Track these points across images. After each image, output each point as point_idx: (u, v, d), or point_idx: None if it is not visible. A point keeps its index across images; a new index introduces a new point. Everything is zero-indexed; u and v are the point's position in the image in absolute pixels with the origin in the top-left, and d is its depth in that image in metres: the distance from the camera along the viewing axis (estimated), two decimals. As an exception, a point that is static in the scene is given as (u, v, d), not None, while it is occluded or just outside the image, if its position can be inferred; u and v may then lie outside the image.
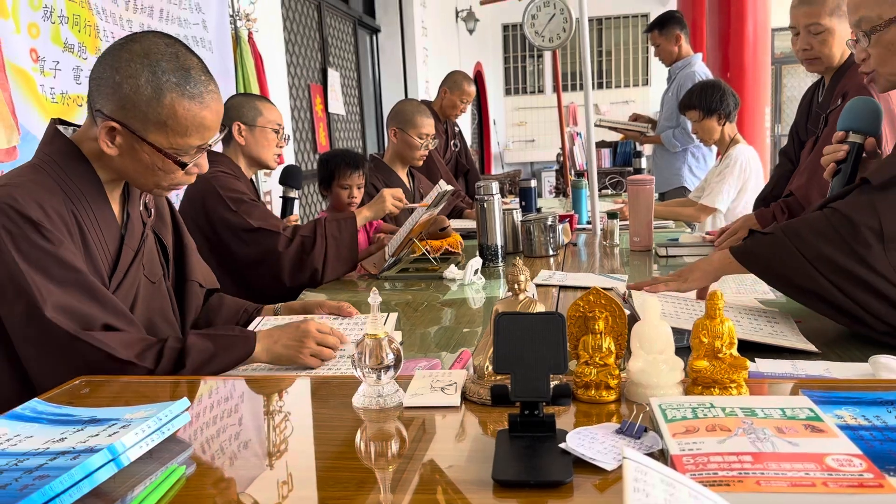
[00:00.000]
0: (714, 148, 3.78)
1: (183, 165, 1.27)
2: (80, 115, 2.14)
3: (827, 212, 1.26)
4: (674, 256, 2.13)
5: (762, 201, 2.37)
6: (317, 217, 2.24)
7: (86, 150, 1.27)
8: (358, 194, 2.71)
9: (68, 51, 2.14)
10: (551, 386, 0.78)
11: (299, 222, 2.43)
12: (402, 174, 3.12)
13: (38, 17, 2.02)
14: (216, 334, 1.29)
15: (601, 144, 8.97)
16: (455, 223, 3.03)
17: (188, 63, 1.24)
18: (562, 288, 1.88)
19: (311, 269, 2.07)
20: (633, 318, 1.21)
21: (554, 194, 8.26)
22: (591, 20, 10.45)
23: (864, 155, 1.47)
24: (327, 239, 2.10)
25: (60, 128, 1.30)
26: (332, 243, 2.10)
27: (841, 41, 1.94)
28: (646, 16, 10.28)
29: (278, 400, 1.06)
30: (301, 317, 1.49)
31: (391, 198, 2.28)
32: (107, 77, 1.21)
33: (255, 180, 2.33)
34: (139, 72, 1.20)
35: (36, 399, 0.94)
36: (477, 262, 2.09)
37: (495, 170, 10.25)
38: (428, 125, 3.00)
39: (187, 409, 0.88)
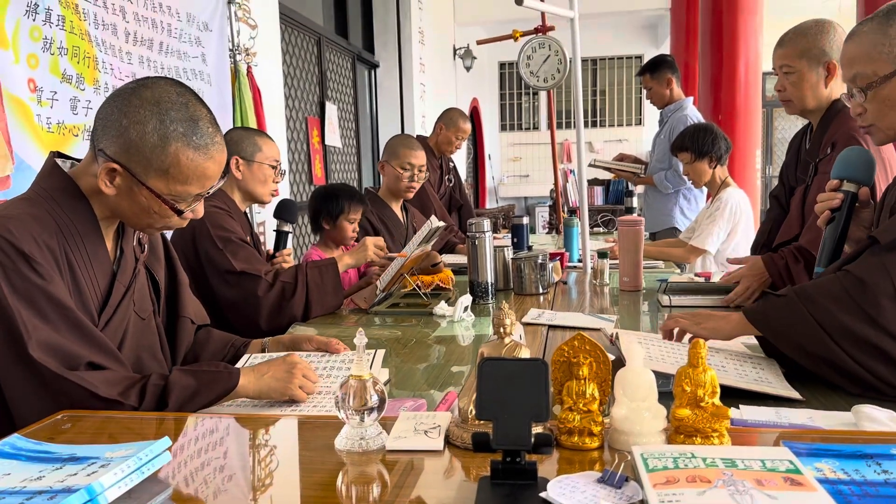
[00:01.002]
0: (706, 190, 3.83)
1: (179, 212, 1.29)
2: (75, 146, 2.16)
3: (840, 274, 1.26)
4: (677, 306, 2.10)
5: (758, 249, 2.37)
6: (304, 255, 2.24)
7: (83, 186, 1.28)
8: (357, 228, 2.74)
9: (66, 81, 2.16)
10: (533, 434, 0.78)
11: (293, 256, 2.44)
12: (396, 208, 3.13)
13: (37, 48, 2.04)
14: (199, 370, 1.28)
15: (594, 182, 9.05)
16: (447, 258, 3.04)
17: (197, 114, 1.26)
18: (550, 327, 1.89)
19: (289, 316, 2.07)
20: (620, 362, 1.21)
21: (547, 230, 8.30)
22: (585, 60, 10.62)
23: (857, 204, 1.48)
24: (308, 285, 2.10)
25: (59, 161, 1.31)
26: (314, 289, 2.11)
27: (812, 85, 1.96)
28: (640, 57, 10.46)
29: (262, 439, 1.06)
30: (283, 353, 1.49)
31: (373, 246, 2.30)
32: (114, 119, 1.23)
33: (248, 213, 2.34)
34: (147, 119, 1.22)
35: (16, 434, 0.94)
36: (467, 299, 2.09)
37: (490, 204, 10.31)
38: (412, 156, 3.02)
39: (168, 449, 0.88)
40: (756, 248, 2.37)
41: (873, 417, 1.07)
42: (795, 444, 0.87)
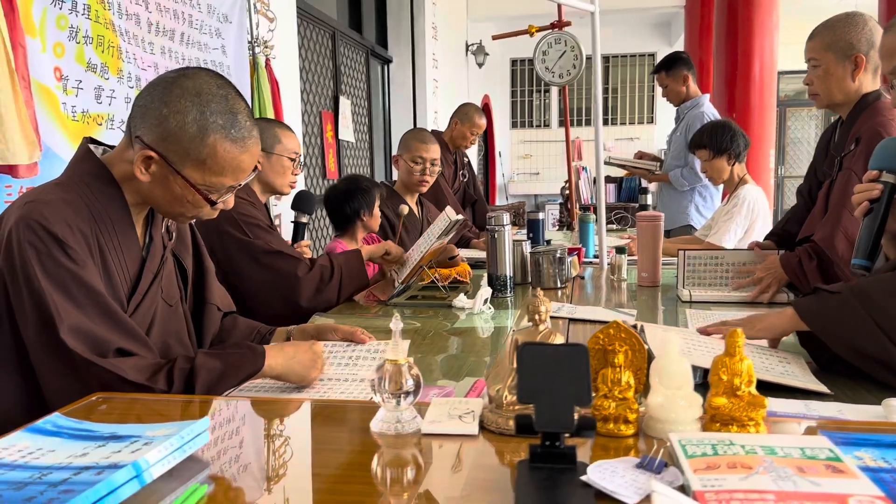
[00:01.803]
0: (722, 187, 3.81)
1: (212, 203, 1.30)
2: (100, 134, 2.17)
3: None
4: (698, 301, 2.10)
5: (772, 235, 2.39)
6: (328, 247, 2.28)
7: (116, 173, 1.29)
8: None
9: (91, 70, 2.17)
10: (575, 417, 0.79)
11: (310, 247, 2.46)
12: (412, 202, 3.14)
13: (63, 37, 2.06)
14: (224, 353, 1.29)
15: (607, 180, 9.01)
16: (462, 253, 3.04)
17: (237, 107, 1.27)
18: (571, 321, 1.89)
19: (326, 299, 2.13)
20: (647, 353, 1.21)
21: (557, 227, 8.29)
22: (598, 57, 10.58)
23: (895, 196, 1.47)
24: (343, 271, 2.16)
25: (92, 147, 1.32)
26: (346, 275, 2.17)
27: (839, 79, 1.95)
28: (653, 55, 10.43)
29: (295, 421, 1.07)
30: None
31: (387, 249, 2.34)
32: (154, 108, 1.23)
33: (267, 205, 2.36)
34: (188, 109, 1.23)
35: (56, 413, 0.95)
36: (487, 291, 2.10)
37: (499, 201, 10.31)
38: (423, 149, 3.03)
39: (207, 429, 0.89)
40: (770, 236, 2.38)
41: (904, 411, 1.07)
42: (833, 434, 0.87)
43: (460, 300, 2.10)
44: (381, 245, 2.33)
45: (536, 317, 0.97)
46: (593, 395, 0.95)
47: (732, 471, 0.75)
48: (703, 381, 1.21)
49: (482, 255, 2.74)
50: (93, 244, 1.23)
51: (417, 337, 1.78)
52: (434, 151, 3.08)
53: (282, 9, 3.67)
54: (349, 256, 2.22)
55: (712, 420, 0.90)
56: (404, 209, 2.80)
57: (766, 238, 2.42)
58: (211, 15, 2.96)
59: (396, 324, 0.97)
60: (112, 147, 1.35)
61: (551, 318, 1.91)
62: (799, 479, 0.73)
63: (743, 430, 0.88)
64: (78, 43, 2.12)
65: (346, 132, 5.15)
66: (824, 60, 1.96)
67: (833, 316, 1.28)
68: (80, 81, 2.13)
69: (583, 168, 5.80)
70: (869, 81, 1.95)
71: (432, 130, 4.21)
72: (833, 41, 1.94)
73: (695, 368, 1.19)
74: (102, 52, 2.22)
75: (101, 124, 2.19)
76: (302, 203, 2.44)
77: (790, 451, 0.79)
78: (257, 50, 3.29)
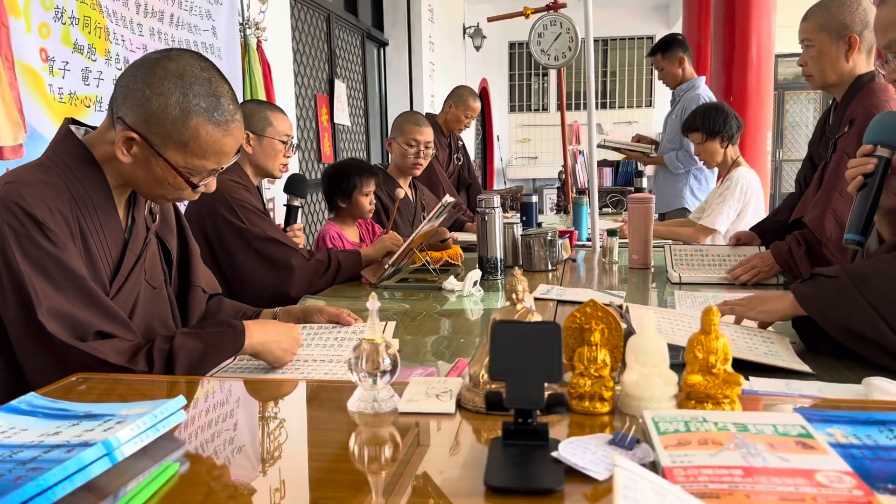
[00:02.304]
0: (717, 170, 3.80)
1: (194, 186, 1.29)
2: (86, 116, 2.16)
3: None
4: (687, 283, 2.10)
5: (757, 227, 2.37)
6: (321, 230, 2.27)
7: (97, 154, 1.28)
8: (373, 201, 2.75)
9: (77, 52, 2.15)
10: (546, 395, 0.78)
11: (303, 232, 2.45)
12: (406, 186, 3.13)
13: (48, 18, 2.04)
14: (205, 332, 1.28)
15: (603, 163, 9.02)
16: (455, 235, 3.04)
17: (220, 90, 1.26)
18: (560, 302, 1.89)
19: (316, 289, 2.13)
20: (629, 333, 1.21)
21: (555, 211, 8.28)
22: (596, 41, 10.49)
23: (889, 170, 1.46)
24: (339, 270, 2.19)
25: (73, 128, 1.31)
26: (342, 274, 2.20)
27: (832, 60, 1.94)
28: (651, 38, 10.35)
29: (273, 403, 1.07)
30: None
31: (390, 241, 2.34)
32: (137, 89, 1.22)
33: (259, 188, 2.35)
34: (171, 91, 1.22)
35: (32, 393, 0.95)
36: (476, 274, 2.10)
37: (498, 185, 10.29)
38: (416, 132, 3.02)
39: (183, 408, 0.89)
40: (755, 228, 2.37)
41: (884, 389, 1.07)
42: (807, 411, 0.87)
43: (450, 283, 2.10)
44: (381, 247, 2.31)
45: (514, 296, 0.97)
46: (569, 373, 0.95)
47: (703, 447, 0.75)
48: (683, 361, 1.21)
49: (475, 237, 2.73)
50: (73, 226, 1.22)
51: (407, 319, 1.78)
52: (428, 134, 3.07)
53: (274, -9, 3.64)
54: (349, 258, 2.24)
55: (688, 398, 0.90)
56: (400, 192, 2.79)
57: (752, 228, 2.41)
58: (201, -4, 2.94)
59: (373, 303, 0.97)
60: (94, 128, 1.34)
61: (540, 299, 1.92)
62: (769, 455, 0.73)
63: (718, 408, 0.88)
64: (64, 24, 2.10)
65: (342, 116, 5.13)
66: (818, 41, 1.94)
67: (830, 300, 1.28)
68: (67, 63, 2.11)
69: (579, 152, 5.78)
70: (863, 62, 1.93)
71: (427, 114, 4.19)
72: (827, 21, 1.92)
73: (678, 348, 1.19)
74: (89, 33, 2.21)
75: (88, 106, 2.18)
76: (294, 186, 2.42)
77: (762, 427, 0.79)
78: (248, 32, 3.27)
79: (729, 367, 0.90)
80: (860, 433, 0.81)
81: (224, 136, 1.27)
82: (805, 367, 1.25)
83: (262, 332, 1.32)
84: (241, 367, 1.36)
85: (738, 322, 1.45)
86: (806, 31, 1.97)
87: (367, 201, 2.70)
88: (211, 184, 1.34)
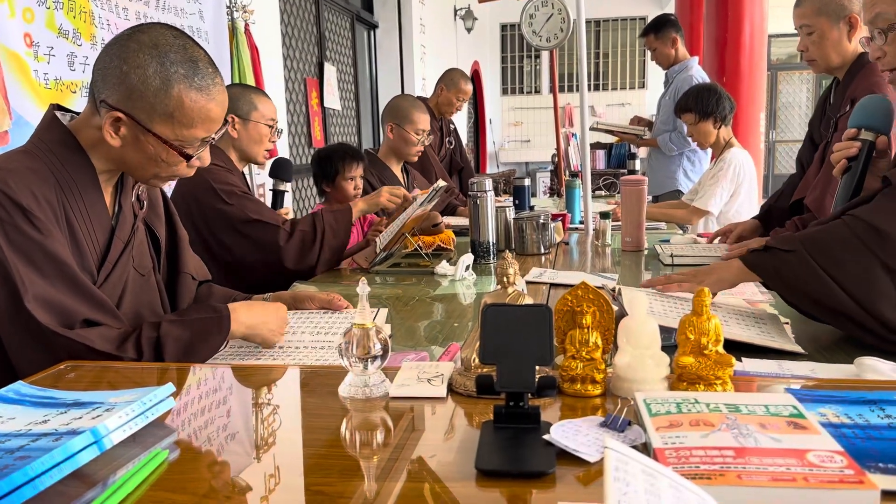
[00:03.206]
0: (710, 152, 3.79)
1: (188, 157, 1.27)
2: (73, 102, 2.13)
3: (848, 220, 1.21)
4: (680, 265, 2.09)
5: (766, 212, 2.33)
6: (312, 211, 2.25)
7: (83, 140, 1.27)
8: (361, 185, 2.73)
9: (63, 37, 2.12)
10: (537, 378, 0.78)
11: (291, 216, 2.43)
12: (397, 170, 3.12)
13: (32, 2, 2.01)
14: (189, 319, 1.27)
15: (596, 146, 8.99)
16: (448, 220, 3.03)
17: (196, 55, 1.25)
18: (552, 286, 1.89)
19: (309, 263, 2.12)
20: (622, 315, 1.21)
21: (548, 194, 8.27)
22: (588, 22, 10.46)
23: (874, 154, 1.45)
24: (325, 231, 2.14)
25: (59, 114, 1.30)
26: (329, 233, 2.15)
27: (835, 43, 1.92)
28: (643, 19, 10.29)
29: (265, 389, 1.06)
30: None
31: (388, 193, 2.30)
32: (113, 67, 1.21)
33: (246, 174, 2.33)
34: (147, 62, 1.20)
35: (20, 381, 0.94)
36: (468, 258, 2.09)
37: (490, 169, 10.26)
38: (424, 121, 3.02)
39: (172, 395, 0.88)
40: (766, 208, 2.34)
41: (876, 369, 1.07)
42: (799, 391, 0.87)
43: (442, 267, 2.09)
44: (374, 202, 2.30)
45: (505, 279, 0.96)
46: (561, 356, 0.95)
47: (694, 428, 0.74)
48: (675, 343, 1.21)
49: (467, 222, 2.72)
50: (59, 213, 1.21)
51: (399, 304, 1.77)
52: (429, 122, 3.08)
53: (262, -27, 3.60)
54: (337, 214, 2.19)
55: (679, 379, 0.90)
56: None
57: (757, 216, 2.35)
58: (187, -21, 2.90)
59: (363, 288, 0.96)
60: (79, 114, 1.32)
61: (532, 283, 1.91)
62: (760, 435, 0.73)
63: (710, 389, 0.88)
64: (48, 8, 2.07)
65: (332, 100, 5.09)
66: (818, 25, 1.92)
67: (789, 273, 1.26)
68: (52, 48, 2.08)
69: (572, 134, 5.76)
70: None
71: (418, 97, 4.17)
72: (824, 4, 1.90)
73: (670, 329, 1.19)
74: (74, 17, 2.17)
75: (74, 92, 2.16)
76: (280, 171, 2.41)
77: (754, 408, 0.79)
78: (236, 15, 3.23)
79: (720, 349, 0.90)
80: (851, 413, 0.81)
81: (208, 101, 1.25)
82: (797, 348, 1.25)
83: (248, 314, 1.31)
84: (233, 353, 1.35)
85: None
86: (802, 16, 1.94)
87: (352, 186, 2.69)
88: (205, 155, 1.32)
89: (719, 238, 2.33)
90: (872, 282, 1.17)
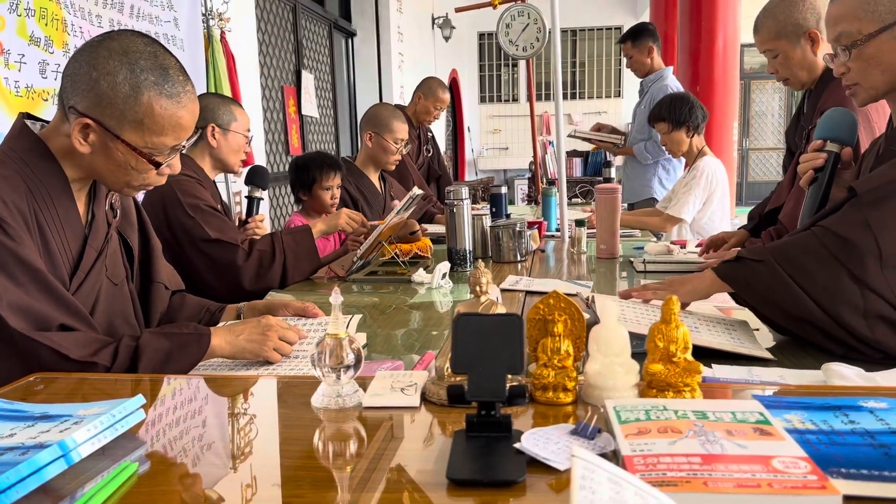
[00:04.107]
0: (684, 161, 3.84)
1: (157, 165, 1.27)
2: (44, 110, 2.11)
3: (818, 231, 1.23)
4: (652, 272, 2.12)
5: (756, 218, 2.32)
6: (287, 222, 2.24)
7: (54, 147, 1.26)
8: (338, 194, 2.73)
9: (34, 44, 2.10)
10: (507, 386, 0.79)
11: (266, 223, 2.43)
12: (374, 178, 3.12)
13: (3, 9, 1.99)
14: (170, 332, 1.26)
15: (573, 154, 9.06)
16: (427, 227, 3.04)
17: (166, 62, 1.24)
18: (528, 293, 1.90)
19: (268, 283, 2.09)
20: (595, 323, 1.22)
21: (526, 202, 8.31)
22: (565, 31, 10.56)
23: (839, 165, 1.48)
24: (286, 252, 2.11)
25: (28, 122, 1.28)
26: (290, 255, 2.11)
27: (800, 60, 1.96)
28: (619, 28, 10.42)
29: (240, 399, 1.06)
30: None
31: (346, 216, 2.29)
32: (83, 73, 1.20)
33: (221, 181, 2.32)
34: (117, 69, 1.19)
35: (-13, 394, 0.93)
36: (445, 266, 2.10)
37: (469, 176, 10.29)
38: (402, 130, 3.02)
39: (143, 407, 0.87)
40: (754, 217, 2.34)
41: (842, 375, 1.09)
42: (765, 398, 0.89)
43: (419, 275, 2.09)
44: (333, 223, 2.29)
45: (478, 288, 0.97)
46: (533, 364, 0.95)
47: (663, 435, 0.75)
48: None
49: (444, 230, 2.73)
50: (31, 221, 1.20)
51: (376, 311, 1.77)
52: (408, 131, 3.09)
53: (238, -19, 3.59)
54: (297, 236, 2.16)
55: (649, 386, 0.91)
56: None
57: (744, 226, 2.35)
58: (162, -14, 2.88)
59: (336, 298, 0.96)
60: (49, 122, 1.31)
61: (508, 290, 1.92)
62: (726, 442, 0.74)
63: (679, 396, 0.89)
64: (19, 16, 2.05)
65: (310, 107, 5.08)
66: (779, 48, 1.96)
67: (759, 284, 1.28)
68: (23, 56, 2.06)
69: (549, 142, 5.80)
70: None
71: (396, 105, 4.18)
72: (780, 27, 1.94)
73: (642, 336, 1.20)
74: (46, 24, 2.15)
75: (46, 99, 2.13)
76: (256, 178, 2.40)
77: (721, 415, 0.80)
78: (212, 23, 3.22)
79: (689, 356, 0.91)
80: (816, 419, 0.82)
81: (178, 108, 1.25)
82: (767, 354, 1.27)
83: (229, 334, 1.29)
84: (208, 364, 1.34)
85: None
86: (763, 42, 1.99)
87: (328, 196, 2.69)
88: (175, 163, 1.31)
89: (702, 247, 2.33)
90: (840, 291, 1.19)
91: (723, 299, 1.65)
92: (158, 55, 1.24)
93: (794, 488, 0.65)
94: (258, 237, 2.18)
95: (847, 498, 0.65)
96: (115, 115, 1.21)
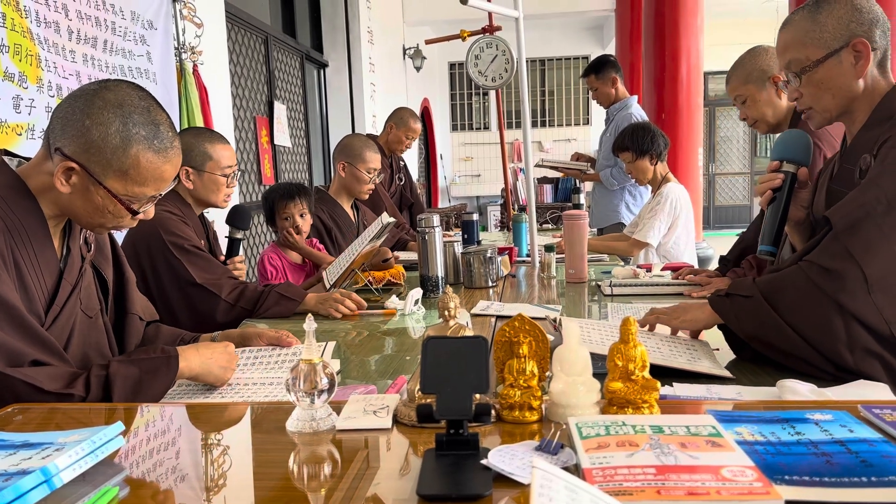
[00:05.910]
0: (649, 186, 3.95)
1: (134, 212, 1.31)
2: (19, 144, 2.12)
3: (803, 265, 1.28)
4: (619, 295, 2.18)
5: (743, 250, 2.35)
6: (264, 287, 2.12)
7: (32, 185, 1.28)
8: (303, 222, 2.74)
9: (8, 80, 2.12)
10: (474, 405, 0.83)
11: (244, 262, 2.41)
12: (347, 206, 3.16)
13: (-23, 45, 2.01)
14: (138, 358, 1.29)
15: (543, 181, 9.21)
16: (398, 255, 3.08)
17: (159, 118, 1.29)
18: (499, 317, 1.94)
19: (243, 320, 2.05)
20: (557, 345, 1.27)
21: (499, 228, 8.40)
22: (533, 61, 10.78)
23: (796, 185, 1.56)
24: (268, 314, 2.05)
25: (6, 159, 1.31)
26: (270, 314, 2.05)
27: (766, 102, 2.09)
28: (586, 57, 10.67)
29: (215, 427, 1.08)
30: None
31: (333, 301, 2.08)
32: (75, 119, 1.24)
33: (202, 216, 2.30)
34: (111, 121, 1.24)
35: (-34, 425, 0.94)
36: (417, 292, 2.14)
37: (442, 203, 10.38)
38: (375, 160, 3.07)
39: (122, 433, 0.90)
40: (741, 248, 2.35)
41: (795, 390, 1.15)
42: (719, 412, 0.94)
43: (392, 301, 2.13)
44: (326, 295, 2.12)
45: (446, 313, 1.01)
46: (500, 385, 1.00)
47: (621, 449, 0.80)
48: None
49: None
50: (7, 258, 1.22)
51: (349, 338, 1.80)
52: (380, 161, 3.14)
53: (210, 14, 3.64)
54: (282, 301, 2.06)
55: (610, 403, 0.95)
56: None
57: (730, 254, 2.30)
58: (135, 22, 2.92)
59: (310, 324, 1.00)
60: (27, 159, 1.34)
61: (479, 315, 1.97)
62: (680, 453, 0.79)
63: (638, 412, 0.94)
64: (-7, 51, 2.07)
65: (282, 137, 5.12)
66: (747, 92, 2.10)
67: (749, 321, 1.34)
68: (-3, 91, 2.08)
69: (520, 170, 5.90)
70: None
71: (368, 134, 4.24)
72: (748, 73, 2.09)
73: (603, 357, 1.25)
74: (20, 60, 2.18)
75: (20, 134, 2.15)
76: (236, 218, 2.38)
77: (676, 429, 0.85)
78: (184, 56, 3.26)
79: (647, 374, 0.96)
80: (765, 431, 0.88)
81: (164, 162, 1.30)
82: (725, 373, 1.32)
83: (197, 354, 1.34)
84: (181, 391, 1.36)
85: (673, 333, 1.52)
86: (734, 90, 2.13)
87: (287, 224, 2.72)
88: (150, 210, 1.36)
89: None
90: (827, 325, 1.23)
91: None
92: (151, 110, 1.29)
93: (741, 494, 0.70)
94: (237, 278, 2.15)
95: (790, 503, 0.70)
96: (101, 163, 1.25)
